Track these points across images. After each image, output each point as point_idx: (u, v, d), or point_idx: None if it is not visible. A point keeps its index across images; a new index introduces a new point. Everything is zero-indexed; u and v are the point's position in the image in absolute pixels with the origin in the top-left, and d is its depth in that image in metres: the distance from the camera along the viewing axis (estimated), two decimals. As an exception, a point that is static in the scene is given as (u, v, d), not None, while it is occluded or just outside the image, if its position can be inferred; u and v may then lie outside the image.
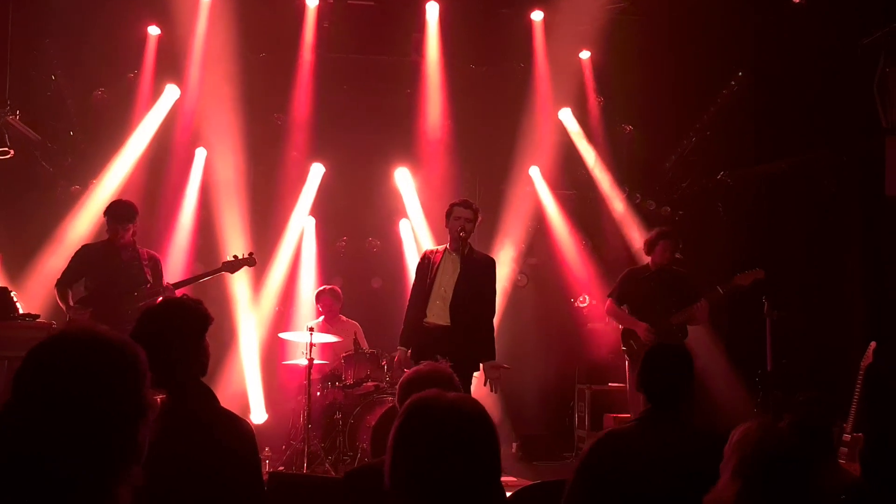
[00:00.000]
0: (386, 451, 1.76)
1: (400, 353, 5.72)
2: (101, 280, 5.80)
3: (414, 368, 2.99)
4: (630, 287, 6.41)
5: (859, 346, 5.31)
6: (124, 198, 6.44)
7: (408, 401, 1.81)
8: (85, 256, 5.92)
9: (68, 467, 1.39)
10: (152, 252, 6.17)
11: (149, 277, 5.88)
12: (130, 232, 5.86)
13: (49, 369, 1.45)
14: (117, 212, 5.84)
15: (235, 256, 6.27)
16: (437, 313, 5.54)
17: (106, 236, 6.00)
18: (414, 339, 5.63)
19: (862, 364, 4.97)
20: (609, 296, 6.54)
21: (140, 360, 1.53)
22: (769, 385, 6.69)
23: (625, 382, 7.94)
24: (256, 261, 6.42)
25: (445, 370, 2.92)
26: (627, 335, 6.36)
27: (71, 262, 5.94)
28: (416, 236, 9.08)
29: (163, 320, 2.56)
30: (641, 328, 6.17)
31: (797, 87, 7.63)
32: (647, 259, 6.55)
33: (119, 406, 1.46)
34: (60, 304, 5.80)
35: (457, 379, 2.89)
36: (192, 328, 2.57)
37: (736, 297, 6.39)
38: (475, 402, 1.78)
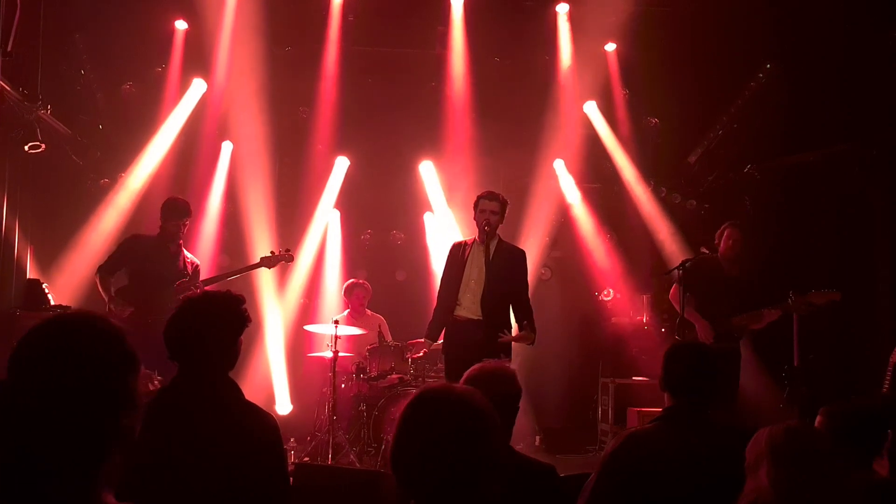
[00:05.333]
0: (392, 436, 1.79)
1: (423, 341, 5.71)
2: (147, 270, 5.91)
3: (479, 365, 2.95)
4: (697, 278, 6.13)
5: (887, 341, 5.25)
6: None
7: (417, 391, 1.84)
8: (132, 246, 6.04)
9: (48, 452, 1.42)
10: (195, 258, 6.30)
11: (189, 272, 6.01)
12: (186, 227, 6.06)
13: (34, 353, 1.49)
14: (179, 207, 6.02)
15: (273, 252, 6.39)
16: (468, 307, 5.50)
17: (150, 229, 6.16)
18: (442, 332, 5.59)
19: (891, 359, 4.91)
20: (676, 282, 6.22)
21: (127, 351, 1.55)
22: (796, 380, 6.63)
23: (649, 377, 7.92)
24: (294, 257, 6.52)
25: (509, 369, 2.92)
26: (683, 325, 6.12)
27: (117, 250, 6.07)
28: (441, 229, 9.09)
29: (202, 313, 2.58)
30: (702, 327, 5.99)
31: (826, 79, 7.53)
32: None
33: (99, 393, 1.48)
34: (101, 291, 5.90)
35: (517, 379, 2.89)
36: (230, 326, 2.59)
37: (803, 313, 6.15)
38: (481, 398, 1.79)
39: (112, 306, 5.78)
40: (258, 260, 6.46)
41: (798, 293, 5.86)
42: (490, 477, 1.73)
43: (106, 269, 5.95)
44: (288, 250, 6.50)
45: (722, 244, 6.20)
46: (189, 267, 6.07)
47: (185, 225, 6.03)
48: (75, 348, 1.49)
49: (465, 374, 2.89)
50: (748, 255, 6.29)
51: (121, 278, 6.06)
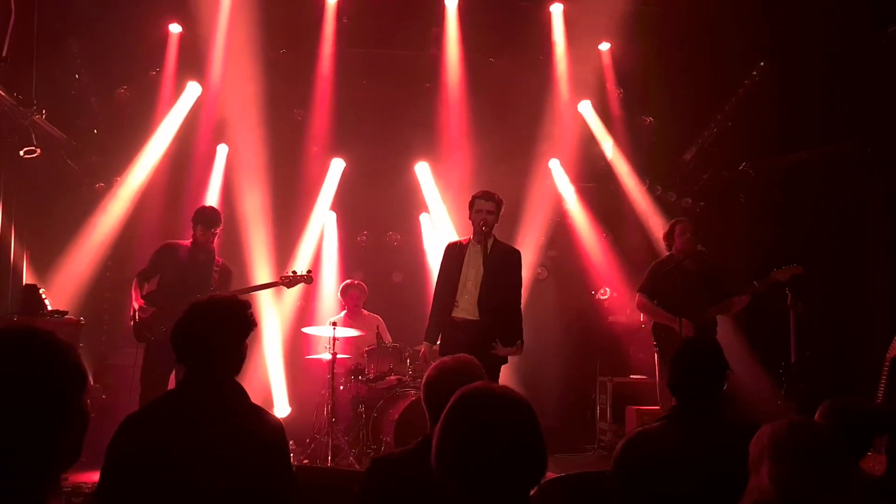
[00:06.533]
0: (434, 433, 1.82)
1: (425, 347, 5.65)
2: (173, 278, 5.99)
3: (440, 360, 2.97)
4: (659, 280, 6.18)
5: (884, 338, 5.26)
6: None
7: (459, 390, 1.86)
8: (165, 253, 6.12)
9: None
10: (226, 263, 6.30)
11: (215, 282, 6.03)
12: (217, 235, 6.11)
13: None
14: (208, 216, 6.09)
15: (294, 272, 6.50)
16: (465, 307, 5.49)
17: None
18: (440, 333, 5.56)
19: (888, 356, 4.92)
20: (639, 290, 6.31)
21: (69, 366, 1.54)
22: (793, 377, 6.64)
23: (647, 375, 7.92)
24: (313, 278, 6.59)
25: (472, 362, 2.92)
26: (659, 330, 6.16)
27: (153, 257, 6.15)
28: (437, 230, 9.10)
29: (208, 317, 2.59)
30: (685, 326, 5.89)
31: (821, 76, 7.53)
32: (666, 251, 6.44)
33: (36, 408, 1.47)
34: (132, 293, 5.99)
35: (483, 372, 2.88)
36: (236, 330, 2.60)
37: (771, 293, 6.12)
38: (522, 397, 1.84)
39: (136, 308, 5.88)
40: (278, 278, 6.57)
41: (761, 277, 5.89)
42: (537, 468, 1.77)
43: (143, 276, 6.10)
44: (309, 271, 6.61)
45: (676, 241, 6.17)
46: (216, 276, 6.10)
47: (214, 234, 6.09)
48: (10, 360, 1.48)
49: (428, 371, 2.90)
50: (704, 248, 6.31)
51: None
